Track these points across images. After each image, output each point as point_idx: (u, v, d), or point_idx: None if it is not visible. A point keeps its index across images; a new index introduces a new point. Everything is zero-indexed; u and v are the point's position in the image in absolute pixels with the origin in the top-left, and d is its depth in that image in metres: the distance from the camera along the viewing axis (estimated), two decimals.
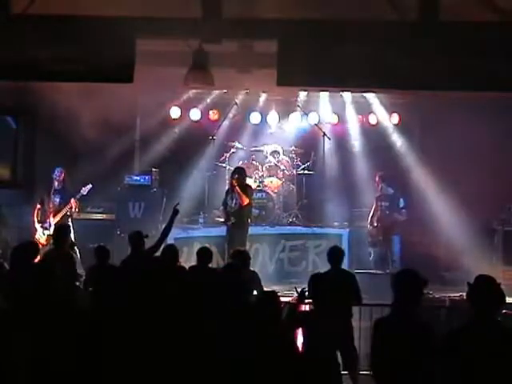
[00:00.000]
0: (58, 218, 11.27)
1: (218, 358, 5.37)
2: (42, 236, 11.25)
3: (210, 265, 8.31)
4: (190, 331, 5.47)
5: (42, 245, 11.06)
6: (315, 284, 6.55)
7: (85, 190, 11.43)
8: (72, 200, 11.28)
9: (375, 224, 11.98)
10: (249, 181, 12.08)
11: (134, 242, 8.63)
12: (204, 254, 8.18)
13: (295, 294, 6.79)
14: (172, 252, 8.05)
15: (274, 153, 13.53)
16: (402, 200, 11.95)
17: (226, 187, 11.52)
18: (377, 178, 12.21)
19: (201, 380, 5.28)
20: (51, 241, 9.61)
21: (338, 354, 6.89)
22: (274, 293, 5.97)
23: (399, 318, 5.24)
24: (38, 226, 11.36)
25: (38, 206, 11.48)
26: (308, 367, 5.87)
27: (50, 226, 11.18)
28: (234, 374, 5.31)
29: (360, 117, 14.09)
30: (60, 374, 6.03)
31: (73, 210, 11.39)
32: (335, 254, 8.22)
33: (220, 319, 5.85)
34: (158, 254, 8.44)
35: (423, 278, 5.33)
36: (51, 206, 11.39)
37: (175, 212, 9.10)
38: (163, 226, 9.44)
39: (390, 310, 5.38)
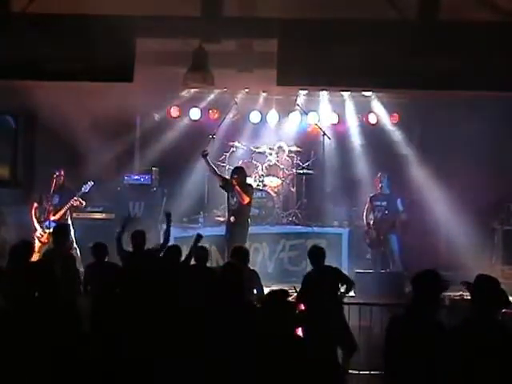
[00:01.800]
0: (58, 216, 11.27)
1: (219, 356, 5.38)
2: (42, 234, 11.25)
3: (208, 264, 8.33)
4: (189, 330, 5.46)
5: (43, 243, 11.09)
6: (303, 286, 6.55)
7: (86, 188, 11.43)
8: (73, 199, 11.27)
9: (372, 224, 11.96)
10: (249, 180, 12.07)
11: (136, 241, 8.66)
12: (201, 254, 8.19)
13: (294, 294, 6.81)
14: (176, 252, 8.08)
15: (279, 149, 13.52)
16: (399, 200, 11.93)
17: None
18: (377, 178, 12.19)
19: (202, 379, 5.27)
20: (51, 239, 9.62)
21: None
22: (284, 291, 5.97)
23: (415, 318, 5.22)
24: (36, 224, 11.37)
25: (36, 204, 11.48)
26: (308, 367, 5.86)
27: (50, 224, 11.17)
28: (234, 374, 5.31)
29: (360, 116, 14.08)
30: (60, 374, 6.04)
31: (78, 206, 11.39)
32: (315, 254, 8.19)
33: (220, 319, 5.85)
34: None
35: (444, 279, 5.30)
36: (50, 205, 11.39)
37: (168, 216, 9.08)
38: (163, 229, 9.45)
39: (406, 309, 5.37)
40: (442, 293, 5.27)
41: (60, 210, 11.30)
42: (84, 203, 11.52)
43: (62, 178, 11.59)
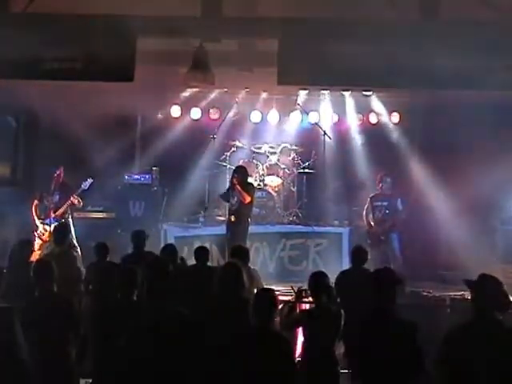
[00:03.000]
0: (58, 213, 11.22)
1: (218, 356, 5.38)
2: (44, 232, 11.22)
3: (208, 263, 8.33)
4: (189, 330, 5.45)
5: (45, 241, 11.05)
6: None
7: (86, 185, 11.37)
8: (73, 196, 11.22)
9: (373, 224, 11.96)
10: (249, 180, 12.07)
11: (137, 241, 8.66)
12: (201, 253, 8.19)
13: (293, 294, 6.80)
14: (171, 251, 8.08)
15: (284, 149, 13.52)
16: (399, 200, 11.94)
17: (227, 185, 11.61)
18: (378, 178, 12.19)
19: (198, 380, 5.27)
20: (52, 237, 9.62)
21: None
22: (271, 291, 5.96)
23: (378, 317, 5.30)
24: (38, 222, 11.33)
25: (36, 201, 11.43)
26: (306, 367, 5.87)
27: (50, 222, 11.14)
28: (231, 374, 5.32)
29: (360, 116, 14.06)
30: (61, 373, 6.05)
31: (76, 205, 11.33)
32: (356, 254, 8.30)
33: (220, 318, 5.85)
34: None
35: (399, 277, 5.43)
36: (51, 202, 11.35)
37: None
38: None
39: (368, 309, 5.46)
40: (394, 290, 5.37)
41: (60, 207, 11.26)
42: (82, 203, 11.45)
43: (62, 175, 11.55)
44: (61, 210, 11.25)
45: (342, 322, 6.26)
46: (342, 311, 6.33)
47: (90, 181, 11.39)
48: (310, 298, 6.64)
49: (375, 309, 5.43)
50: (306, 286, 6.62)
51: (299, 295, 6.60)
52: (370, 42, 8.93)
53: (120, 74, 9.50)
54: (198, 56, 10.00)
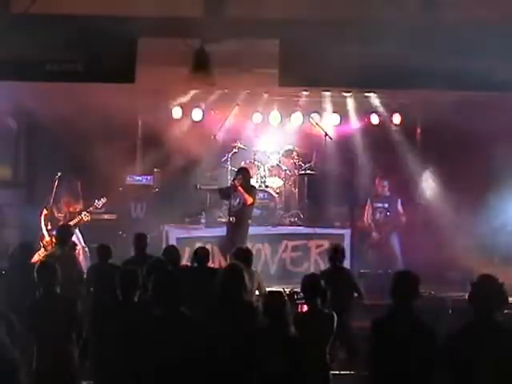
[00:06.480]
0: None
1: (219, 358, 5.38)
2: (50, 243, 11.01)
3: (209, 264, 8.33)
4: (191, 331, 5.46)
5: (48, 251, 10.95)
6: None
7: (99, 204, 11.32)
8: (83, 213, 11.12)
9: (373, 225, 11.97)
10: (251, 181, 12.08)
11: (138, 244, 8.65)
12: (201, 254, 8.17)
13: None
14: (174, 253, 8.07)
15: (288, 151, 13.53)
16: (399, 201, 11.95)
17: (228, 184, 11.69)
18: (377, 180, 12.21)
19: (203, 380, 5.27)
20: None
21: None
22: (280, 293, 5.96)
23: (399, 319, 5.27)
24: (45, 232, 11.20)
25: (45, 212, 11.31)
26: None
27: None
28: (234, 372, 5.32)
29: (362, 116, 14.06)
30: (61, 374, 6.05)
31: (83, 221, 11.22)
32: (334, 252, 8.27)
33: (220, 319, 5.85)
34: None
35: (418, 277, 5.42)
36: (61, 216, 11.25)
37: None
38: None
39: (389, 310, 5.43)
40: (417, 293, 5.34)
41: (70, 220, 11.14)
42: (89, 218, 11.32)
43: (74, 187, 11.44)
44: (70, 224, 11.13)
45: (335, 325, 6.25)
46: (335, 314, 6.32)
47: (103, 200, 11.32)
48: (303, 301, 6.64)
49: (393, 310, 5.42)
50: (297, 289, 6.62)
51: (291, 298, 6.59)
52: (370, 42, 8.94)
53: (121, 75, 9.52)
54: (198, 57, 10.00)
